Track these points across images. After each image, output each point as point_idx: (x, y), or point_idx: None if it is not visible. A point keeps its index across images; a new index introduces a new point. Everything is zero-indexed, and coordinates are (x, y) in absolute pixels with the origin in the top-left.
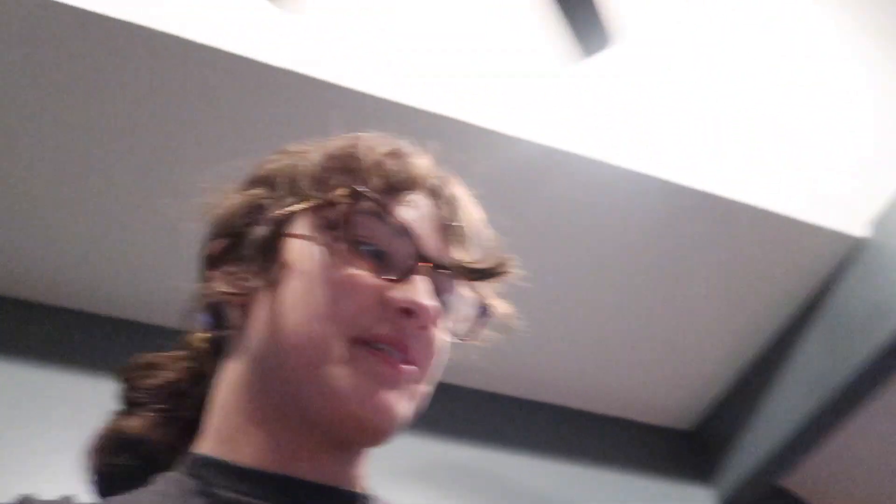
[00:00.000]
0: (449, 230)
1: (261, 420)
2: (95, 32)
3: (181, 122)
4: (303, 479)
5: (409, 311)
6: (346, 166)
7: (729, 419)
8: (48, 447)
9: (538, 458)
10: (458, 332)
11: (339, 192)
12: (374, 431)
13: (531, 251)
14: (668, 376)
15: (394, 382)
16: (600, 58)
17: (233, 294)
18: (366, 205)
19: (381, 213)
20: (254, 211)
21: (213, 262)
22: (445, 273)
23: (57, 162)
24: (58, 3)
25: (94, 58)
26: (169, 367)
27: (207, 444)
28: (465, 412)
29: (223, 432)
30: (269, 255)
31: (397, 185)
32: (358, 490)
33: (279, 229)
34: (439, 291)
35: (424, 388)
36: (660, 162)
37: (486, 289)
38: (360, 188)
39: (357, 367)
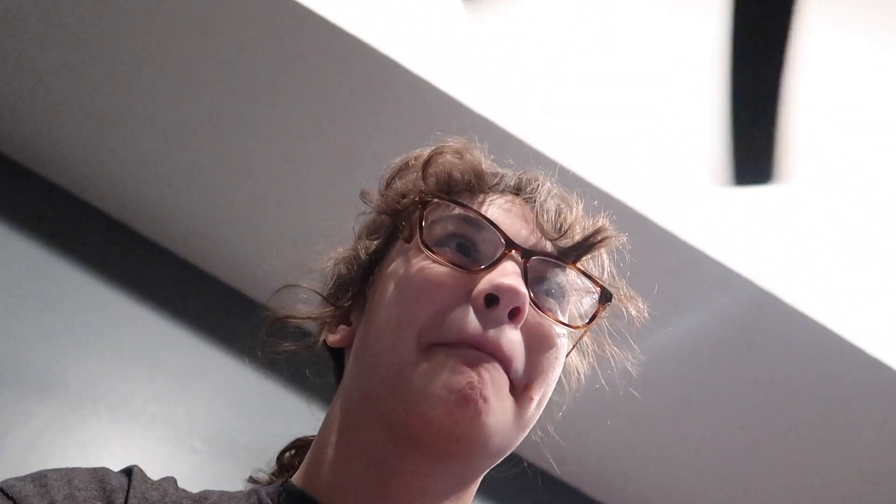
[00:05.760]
0: (539, 219)
1: (347, 454)
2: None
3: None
4: None
5: (494, 298)
6: (406, 177)
7: None
8: None
9: None
10: (578, 320)
11: (404, 202)
12: (455, 434)
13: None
14: None
15: (476, 378)
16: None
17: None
18: (433, 202)
19: (451, 206)
20: (350, 263)
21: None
22: (540, 256)
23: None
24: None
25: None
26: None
27: (297, 475)
28: None
29: (311, 464)
30: (363, 293)
31: (466, 181)
32: None
33: (367, 266)
34: (542, 280)
35: (533, 392)
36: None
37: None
38: (423, 188)
39: (434, 368)
